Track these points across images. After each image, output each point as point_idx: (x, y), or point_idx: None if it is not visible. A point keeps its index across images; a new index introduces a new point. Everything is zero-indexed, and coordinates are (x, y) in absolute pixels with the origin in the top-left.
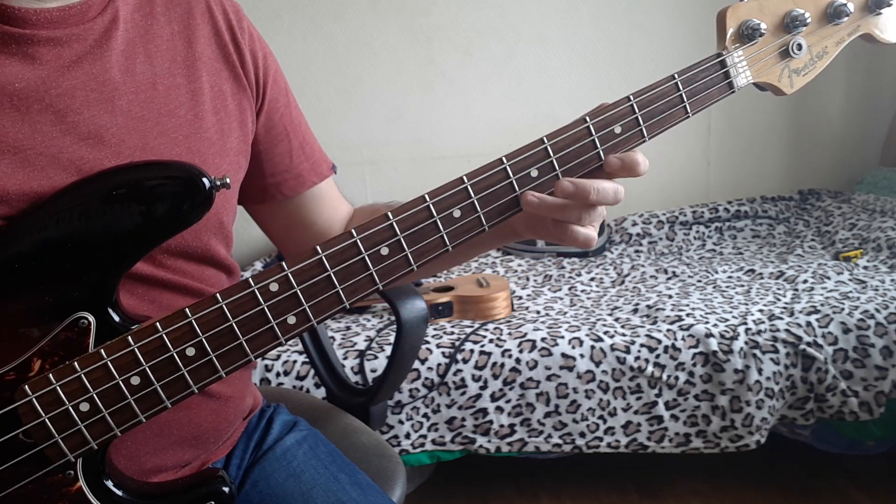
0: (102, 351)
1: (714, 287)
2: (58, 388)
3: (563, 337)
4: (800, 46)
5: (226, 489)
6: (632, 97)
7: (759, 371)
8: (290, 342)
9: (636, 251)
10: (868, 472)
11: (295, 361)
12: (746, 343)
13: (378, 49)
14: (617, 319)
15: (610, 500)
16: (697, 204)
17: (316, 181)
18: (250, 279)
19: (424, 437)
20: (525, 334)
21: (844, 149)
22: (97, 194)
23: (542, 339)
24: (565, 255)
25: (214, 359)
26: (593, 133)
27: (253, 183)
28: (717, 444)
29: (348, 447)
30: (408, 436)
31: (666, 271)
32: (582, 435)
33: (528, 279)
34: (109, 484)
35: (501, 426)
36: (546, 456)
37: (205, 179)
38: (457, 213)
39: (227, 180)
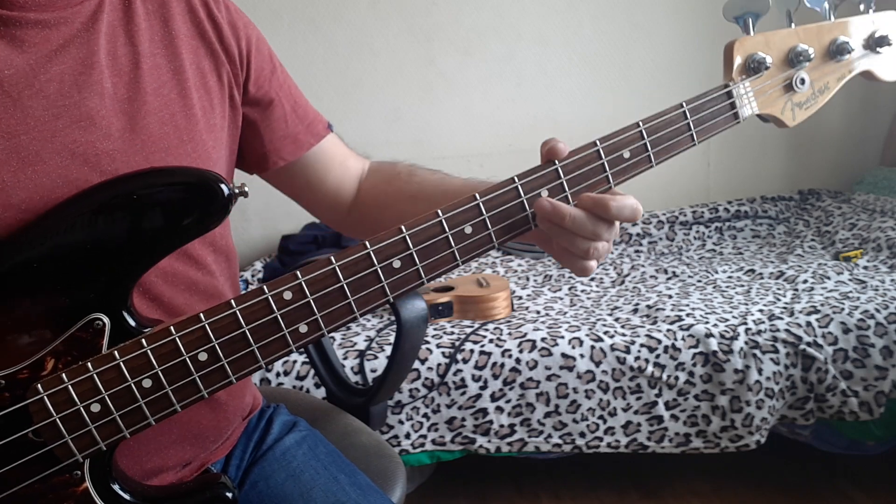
0: (116, 352)
1: (714, 287)
2: (70, 387)
3: (563, 337)
4: (803, 81)
5: (228, 494)
6: (641, 123)
7: (759, 371)
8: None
9: (636, 251)
10: (868, 472)
11: (295, 361)
12: (746, 343)
13: (378, 50)
14: (617, 319)
15: (610, 500)
16: (697, 204)
17: (313, 142)
18: (265, 287)
19: (424, 437)
20: (525, 334)
21: (844, 149)
22: (116, 199)
23: (542, 339)
24: None
25: (226, 364)
26: (603, 157)
27: (255, 152)
28: (717, 444)
29: (348, 447)
30: (408, 436)
31: (666, 271)
32: (582, 435)
33: (528, 279)
34: (115, 486)
35: (501, 426)
36: (546, 456)
37: (223, 186)
38: (468, 230)
39: (245, 188)
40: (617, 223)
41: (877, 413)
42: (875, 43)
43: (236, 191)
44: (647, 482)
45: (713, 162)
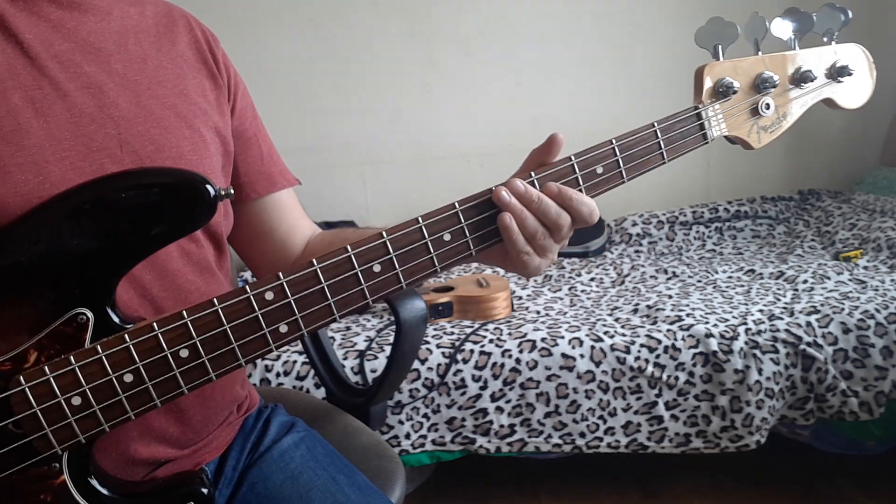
0: (98, 347)
1: (714, 287)
2: (52, 380)
3: (563, 337)
4: (768, 106)
5: (204, 490)
6: (614, 141)
7: (759, 371)
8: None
9: (636, 251)
10: (868, 472)
11: (295, 361)
12: (746, 343)
13: (378, 49)
14: (617, 319)
15: (610, 500)
16: (697, 204)
17: (284, 185)
18: (247, 286)
19: (424, 437)
20: (525, 334)
21: (844, 149)
22: (105, 196)
23: (542, 340)
24: (565, 255)
25: (207, 361)
26: (577, 171)
27: (230, 182)
28: (717, 444)
29: (348, 447)
30: (408, 436)
31: (666, 271)
32: (582, 435)
33: (528, 279)
34: (93, 480)
35: (501, 426)
36: (546, 456)
37: (209, 187)
38: (447, 237)
39: (231, 191)
40: (570, 229)
41: (877, 413)
42: (837, 72)
43: (222, 192)
44: (648, 482)
45: (713, 162)
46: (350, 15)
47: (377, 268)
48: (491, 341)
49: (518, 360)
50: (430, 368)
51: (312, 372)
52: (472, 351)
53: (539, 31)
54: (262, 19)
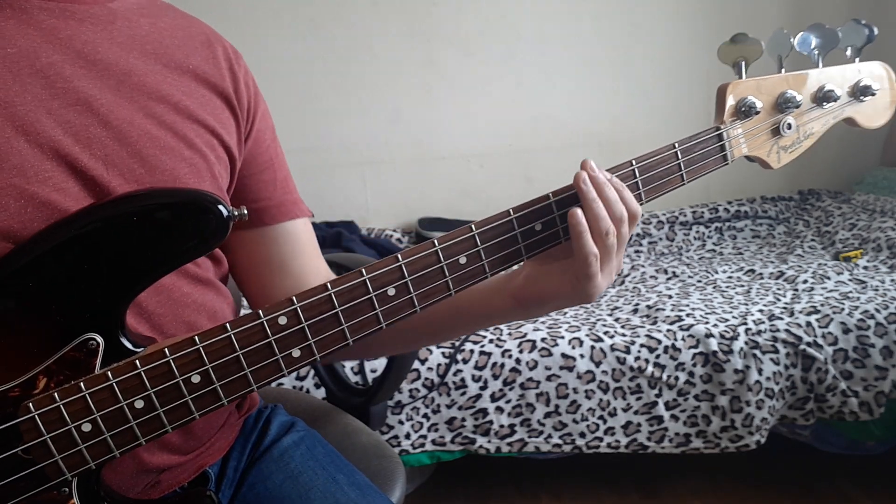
0: (109, 373)
1: (714, 287)
2: (61, 406)
3: (563, 337)
4: (790, 125)
5: None
6: (634, 162)
7: (759, 371)
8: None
9: (636, 251)
10: (868, 472)
11: None
12: (746, 343)
13: (378, 49)
14: (617, 320)
15: (610, 500)
16: (697, 204)
17: (297, 214)
18: (260, 311)
19: (424, 437)
20: (525, 334)
21: (844, 149)
22: (115, 218)
23: (542, 340)
24: None
25: (219, 388)
26: None
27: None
28: (717, 445)
29: (348, 447)
30: (408, 436)
31: (666, 271)
32: (582, 435)
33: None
34: None
35: (501, 426)
36: (546, 456)
37: (222, 208)
38: (463, 260)
39: (245, 211)
40: (629, 231)
41: (877, 413)
42: (860, 91)
43: (235, 213)
44: (647, 482)
45: None
46: (350, 15)
47: (392, 291)
48: (491, 341)
49: (518, 360)
50: (430, 368)
51: (312, 372)
52: (472, 351)
53: (539, 32)
54: (262, 19)
